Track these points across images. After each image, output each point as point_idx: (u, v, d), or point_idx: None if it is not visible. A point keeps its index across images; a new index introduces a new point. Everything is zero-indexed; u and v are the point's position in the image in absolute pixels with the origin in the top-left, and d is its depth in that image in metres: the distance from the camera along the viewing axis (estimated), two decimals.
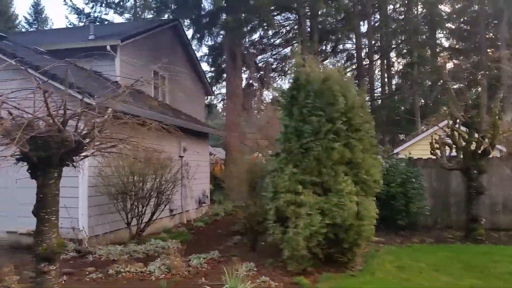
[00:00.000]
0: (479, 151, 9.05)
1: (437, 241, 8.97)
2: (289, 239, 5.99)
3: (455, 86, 9.50)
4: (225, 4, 17.46)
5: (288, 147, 6.23)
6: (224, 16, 18.31)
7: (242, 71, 20.92)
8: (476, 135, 9.08)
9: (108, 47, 11.57)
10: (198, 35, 20.70)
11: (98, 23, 22.82)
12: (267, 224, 6.87)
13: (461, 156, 9.40)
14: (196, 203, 13.94)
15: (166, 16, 21.12)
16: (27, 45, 11.61)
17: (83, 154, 4.63)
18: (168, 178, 9.35)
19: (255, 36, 23.72)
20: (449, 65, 27.26)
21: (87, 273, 6.36)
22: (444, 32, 27.40)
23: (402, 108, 25.06)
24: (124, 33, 13.15)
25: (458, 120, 9.47)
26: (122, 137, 4.37)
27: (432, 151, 9.74)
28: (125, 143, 4.49)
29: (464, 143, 9.34)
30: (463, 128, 9.65)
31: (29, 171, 4.66)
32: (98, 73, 11.42)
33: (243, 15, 16.32)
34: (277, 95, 8.00)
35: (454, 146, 9.63)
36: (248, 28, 19.38)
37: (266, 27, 22.41)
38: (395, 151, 14.86)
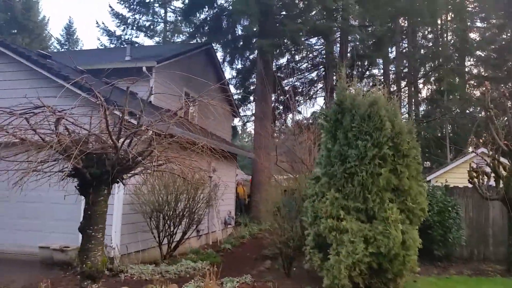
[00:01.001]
0: None
1: (476, 274, 8.60)
2: (330, 267, 5.80)
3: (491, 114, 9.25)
4: (258, 29, 17.77)
5: (331, 171, 6.11)
6: (254, 40, 18.62)
7: (271, 94, 21.06)
8: None
9: (144, 68, 11.82)
10: (229, 58, 21.03)
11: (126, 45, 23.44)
12: (304, 249, 6.69)
13: (501, 186, 9.09)
14: (222, 224, 13.82)
15: (195, 40, 21.57)
16: (66, 64, 11.93)
17: (133, 172, 4.64)
18: (201, 198, 9.31)
19: (282, 61, 23.99)
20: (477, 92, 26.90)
21: None
22: (474, 59, 27.12)
23: (430, 135, 24.61)
24: (158, 55, 13.44)
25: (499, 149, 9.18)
26: (174, 155, 4.36)
27: (470, 180, 9.45)
28: (175, 162, 4.48)
29: (505, 173, 9.04)
30: (502, 157, 9.37)
31: (79, 187, 4.67)
32: (134, 93, 11.60)
33: (275, 39, 16.52)
34: (319, 118, 7.89)
35: (493, 175, 9.34)
36: (277, 51, 19.59)
37: (293, 52, 22.60)
38: (428, 178, 14.48)
